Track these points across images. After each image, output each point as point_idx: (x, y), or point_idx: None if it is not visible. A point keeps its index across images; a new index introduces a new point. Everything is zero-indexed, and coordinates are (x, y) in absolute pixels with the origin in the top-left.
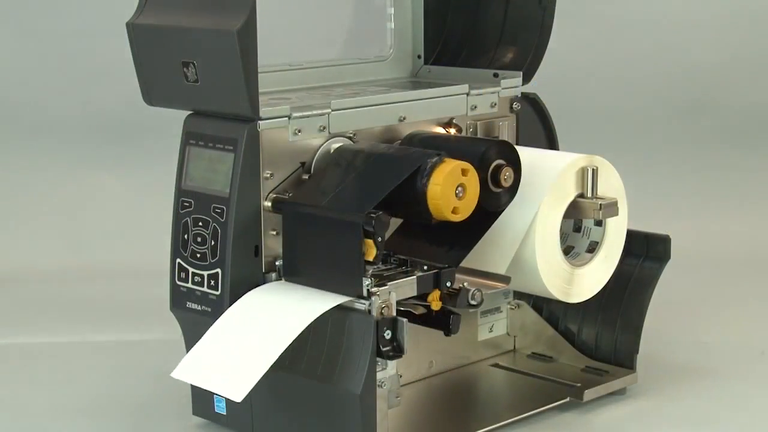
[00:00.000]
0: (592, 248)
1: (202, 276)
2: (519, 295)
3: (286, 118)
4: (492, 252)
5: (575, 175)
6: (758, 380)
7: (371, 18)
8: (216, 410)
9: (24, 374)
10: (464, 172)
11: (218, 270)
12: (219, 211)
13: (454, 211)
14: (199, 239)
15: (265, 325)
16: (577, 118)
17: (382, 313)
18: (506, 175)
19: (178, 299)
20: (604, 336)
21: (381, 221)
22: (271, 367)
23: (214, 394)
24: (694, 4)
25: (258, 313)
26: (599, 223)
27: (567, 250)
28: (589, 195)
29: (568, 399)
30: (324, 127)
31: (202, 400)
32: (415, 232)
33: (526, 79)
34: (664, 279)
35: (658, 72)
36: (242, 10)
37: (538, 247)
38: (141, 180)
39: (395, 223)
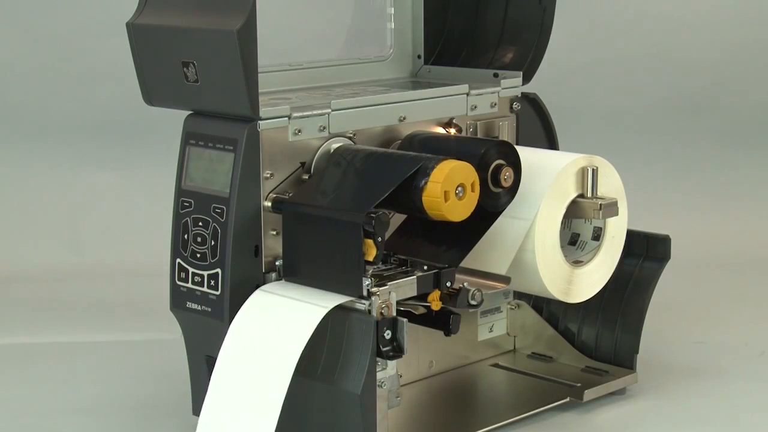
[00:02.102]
0: (597, 234)
1: (202, 276)
2: (519, 295)
3: (286, 118)
4: (492, 252)
5: (575, 175)
6: (758, 380)
7: (371, 18)
8: None
9: (24, 374)
10: (464, 173)
11: (218, 270)
12: (219, 211)
13: (454, 211)
14: (199, 239)
15: (266, 353)
16: (577, 118)
17: (382, 313)
18: (506, 175)
19: (178, 299)
20: (604, 336)
21: (381, 221)
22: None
23: None
24: (694, 4)
25: (256, 341)
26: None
27: (573, 238)
28: (589, 195)
29: (568, 399)
30: (324, 127)
31: (201, 399)
32: (415, 232)
33: (526, 79)
34: (664, 279)
35: (658, 72)
36: (242, 10)
37: (538, 247)
38: (141, 180)
39: (395, 223)
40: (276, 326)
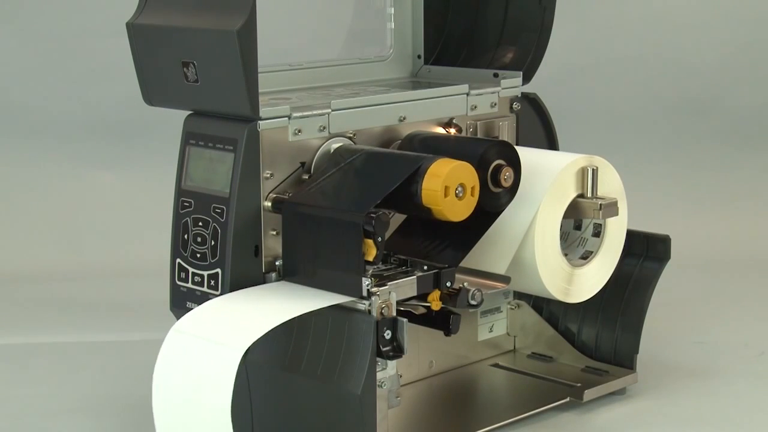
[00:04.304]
0: (597, 232)
1: (202, 276)
2: (519, 295)
3: (286, 118)
4: (492, 252)
5: (575, 175)
6: (758, 380)
7: (371, 18)
8: None
9: (24, 374)
10: (464, 172)
11: (218, 270)
12: (219, 211)
13: (454, 211)
14: (199, 239)
15: (196, 408)
16: (577, 118)
17: (382, 313)
18: (506, 175)
19: (178, 299)
20: (604, 336)
21: (381, 221)
22: (271, 365)
23: None
24: (694, 4)
25: (182, 396)
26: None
27: (577, 223)
28: (589, 195)
29: (568, 399)
30: (324, 127)
31: None
32: (415, 232)
33: (526, 79)
34: (664, 279)
35: (658, 72)
36: (242, 10)
37: (537, 247)
38: (141, 180)
39: (395, 223)
40: (197, 379)
